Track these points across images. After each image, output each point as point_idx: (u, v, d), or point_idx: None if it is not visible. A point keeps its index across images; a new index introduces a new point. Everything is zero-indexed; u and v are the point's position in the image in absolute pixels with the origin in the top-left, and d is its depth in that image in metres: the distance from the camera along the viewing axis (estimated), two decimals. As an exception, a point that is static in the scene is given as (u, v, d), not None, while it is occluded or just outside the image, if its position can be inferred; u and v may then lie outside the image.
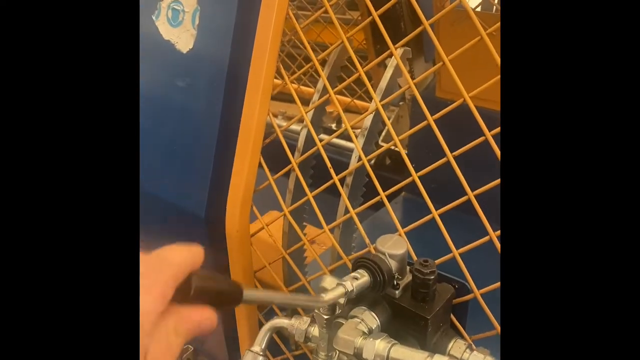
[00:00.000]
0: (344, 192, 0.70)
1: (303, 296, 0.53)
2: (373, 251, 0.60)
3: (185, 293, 0.38)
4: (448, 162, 0.58)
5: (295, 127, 1.54)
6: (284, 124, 0.79)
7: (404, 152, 0.59)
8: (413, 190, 1.41)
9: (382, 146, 0.67)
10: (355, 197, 0.74)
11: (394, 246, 0.57)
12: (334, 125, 1.66)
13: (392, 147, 1.50)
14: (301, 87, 1.60)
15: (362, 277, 0.54)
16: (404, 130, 1.40)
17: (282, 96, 1.66)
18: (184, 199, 0.81)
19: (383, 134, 1.33)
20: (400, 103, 1.39)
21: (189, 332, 0.39)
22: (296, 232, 0.78)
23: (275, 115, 1.69)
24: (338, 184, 0.68)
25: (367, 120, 0.70)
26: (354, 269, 0.57)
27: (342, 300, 0.60)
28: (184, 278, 0.38)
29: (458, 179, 0.58)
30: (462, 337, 0.60)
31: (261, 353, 0.69)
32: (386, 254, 0.56)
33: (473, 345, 0.58)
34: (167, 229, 0.89)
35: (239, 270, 0.81)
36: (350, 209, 0.67)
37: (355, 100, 1.54)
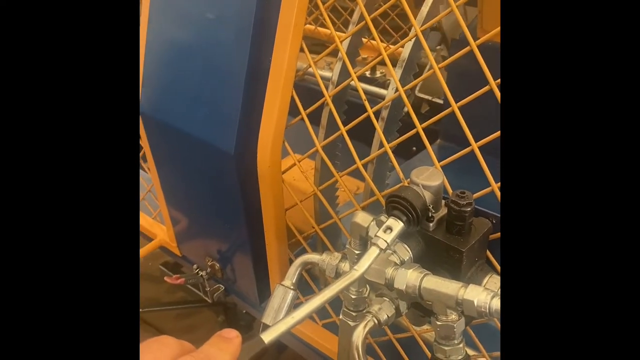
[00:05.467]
0: (378, 126, 0.67)
1: (335, 283, 0.50)
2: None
3: None
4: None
5: (327, 73, 1.51)
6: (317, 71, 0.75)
7: (441, 77, 0.56)
8: (448, 137, 1.37)
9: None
10: (391, 131, 0.71)
11: (429, 178, 0.55)
12: (367, 73, 1.61)
13: (430, 98, 1.44)
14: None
15: (396, 228, 0.52)
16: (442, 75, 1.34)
17: (313, 48, 1.61)
18: (212, 135, 0.81)
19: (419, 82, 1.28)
20: (438, 47, 1.33)
21: None
22: (328, 170, 0.77)
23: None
24: (372, 117, 0.66)
25: (406, 50, 0.66)
26: (387, 209, 0.55)
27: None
28: None
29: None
30: (499, 273, 0.59)
31: (292, 287, 0.69)
32: (420, 185, 0.54)
33: (509, 282, 0.56)
34: (197, 165, 0.89)
35: (270, 207, 0.80)
36: (385, 143, 0.65)
37: (390, 45, 1.49)
